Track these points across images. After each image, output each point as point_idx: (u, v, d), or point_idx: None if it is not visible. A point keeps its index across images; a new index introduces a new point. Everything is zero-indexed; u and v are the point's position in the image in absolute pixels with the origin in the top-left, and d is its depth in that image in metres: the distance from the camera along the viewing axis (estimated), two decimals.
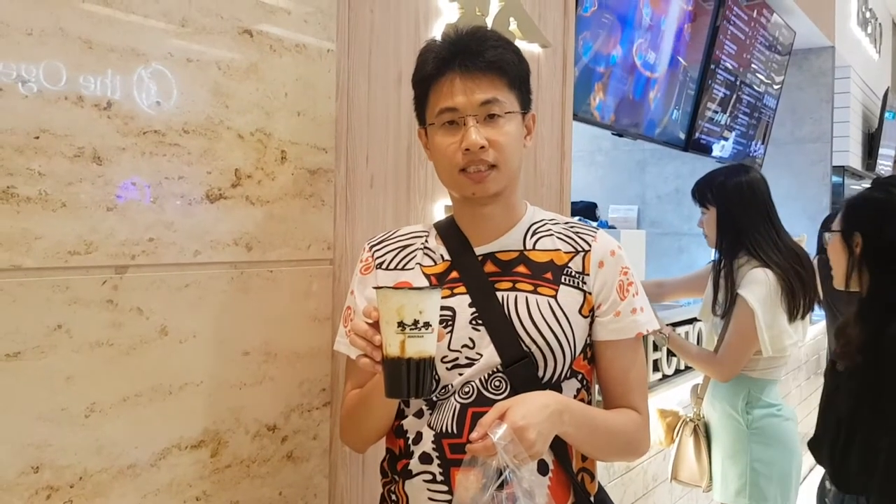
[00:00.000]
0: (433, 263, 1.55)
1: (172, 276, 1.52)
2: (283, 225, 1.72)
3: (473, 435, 1.27)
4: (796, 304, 2.87)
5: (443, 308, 1.45)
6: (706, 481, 3.10)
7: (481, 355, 1.45)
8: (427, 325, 1.24)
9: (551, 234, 1.56)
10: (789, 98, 6.78)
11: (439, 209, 2.16)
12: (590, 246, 1.54)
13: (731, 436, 3.01)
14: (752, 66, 5.75)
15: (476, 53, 1.44)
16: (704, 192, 3.07)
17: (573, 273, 1.51)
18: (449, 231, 1.58)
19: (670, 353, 3.63)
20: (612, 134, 4.28)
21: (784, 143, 6.90)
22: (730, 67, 5.35)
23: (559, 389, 1.47)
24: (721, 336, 2.97)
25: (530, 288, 1.49)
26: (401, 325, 1.23)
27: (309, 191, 1.77)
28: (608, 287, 1.51)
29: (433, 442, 1.46)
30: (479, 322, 1.46)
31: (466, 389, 1.45)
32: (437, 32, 2.10)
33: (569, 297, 1.49)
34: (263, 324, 1.69)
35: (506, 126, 1.45)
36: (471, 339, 1.46)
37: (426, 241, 1.59)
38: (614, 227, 6.05)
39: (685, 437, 3.15)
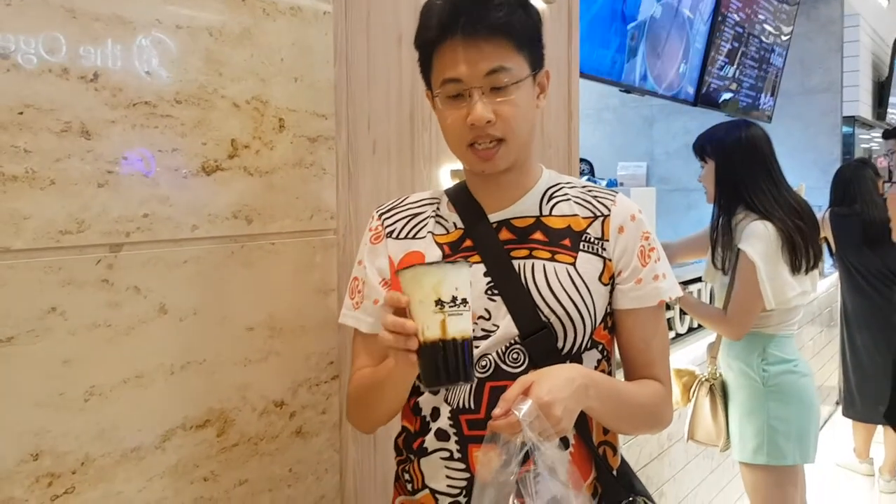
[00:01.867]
0: (446, 232, 1.48)
1: (170, 252, 1.46)
2: (283, 195, 1.66)
3: (496, 411, 1.21)
4: (798, 257, 2.82)
5: None
6: (723, 441, 3.06)
7: (498, 327, 1.39)
8: (465, 301, 1.17)
9: (568, 199, 1.48)
10: (798, 48, 6.67)
11: (445, 174, 2.10)
12: (609, 210, 1.46)
13: (747, 393, 2.97)
14: (760, 16, 5.63)
15: (479, 17, 1.32)
16: (704, 145, 3.04)
17: (592, 239, 1.44)
18: (461, 198, 1.50)
19: (682, 312, 3.58)
20: (620, 91, 4.20)
21: (793, 94, 6.80)
22: (738, 19, 5.24)
23: (579, 360, 1.42)
24: (728, 293, 2.92)
25: (548, 255, 1.42)
26: (439, 303, 1.15)
27: (309, 159, 1.71)
28: (629, 253, 1.44)
29: (450, 418, 1.41)
30: (495, 292, 1.40)
31: (483, 363, 1.39)
32: None
33: (588, 265, 1.43)
34: (267, 298, 1.64)
35: (514, 95, 1.35)
36: (486, 311, 1.40)
37: (438, 208, 1.52)
38: (623, 185, 5.99)
39: (701, 397, 3.10)
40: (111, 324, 1.38)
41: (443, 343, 1.16)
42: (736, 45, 5.34)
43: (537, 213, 1.46)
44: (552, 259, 1.42)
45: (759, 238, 2.78)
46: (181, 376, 1.49)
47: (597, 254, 1.44)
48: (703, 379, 3.12)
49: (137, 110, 1.40)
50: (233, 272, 1.57)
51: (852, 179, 4.64)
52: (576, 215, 1.46)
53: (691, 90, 4.90)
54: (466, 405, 1.39)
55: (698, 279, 3.76)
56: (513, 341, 1.39)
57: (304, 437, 1.72)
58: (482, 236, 1.45)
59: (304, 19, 1.69)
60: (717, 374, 3.09)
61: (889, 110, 8.83)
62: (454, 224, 1.48)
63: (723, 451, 3.15)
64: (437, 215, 1.51)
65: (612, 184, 5.53)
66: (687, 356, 3.53)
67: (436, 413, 1.43)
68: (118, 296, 1.38)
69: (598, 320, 1.43)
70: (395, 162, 1.97)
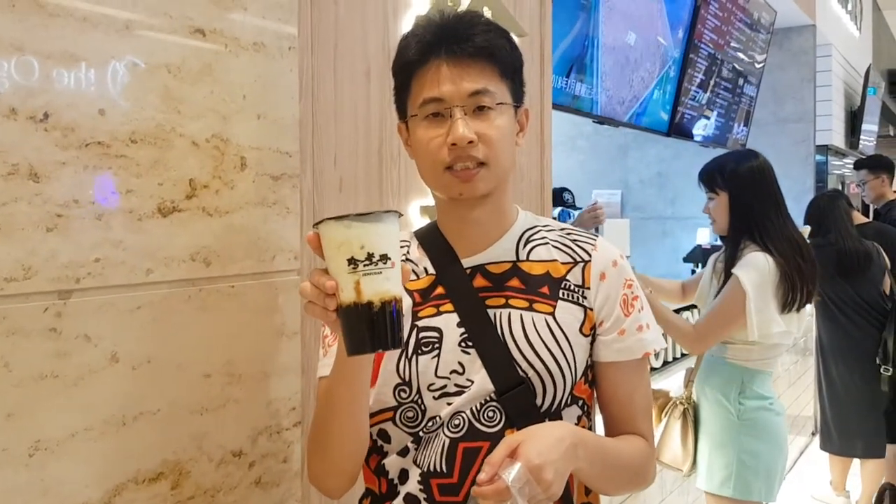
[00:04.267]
0: (416, 277, 1.40)
1: (122, 298, 1.40)
2: (244, 236, 1.60)
3: (482, 476, 1.12)
4: (793, 295, 2.80)
5: (429, 329, 1.34)
6: (688, 466, 3.03)
7: (472, 382, 1.31)
8: (385, 258, 1.05)
9: (546, 243, 1.41)
10: (771, 78, 6.71)
11: (414, 210, 2.06)
12: (590, 256, 1.39)
13: (720, 425, 2.95)
14: (734, 46, 5.66)
15: (464, 38, 1.29)
16: (714, 176, 2.99)
17: (572, 287, 1.37)
18: (432, 240, 1.42)
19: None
20: (593, 122, 4.18)
21: (766, 123, 6.84)
22: (711, 49, 5.26)
23: (559, 418, 1.33)
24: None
25: (525, 304, 1.34)
26: (352, 262, 1.04)
27: (272, 198, 1.66)
28: (611, 302, 1.37)
29: (420, 482, 1.32)
30: (469, 344, 1.32)
31: (456, 422, 1.31)
32: (406, 25, 1.99)
33: (568, 315, 1.35)
34: (226, 343, 1.58)
35: (497, 119, 1.30)
36: (460, 364, 1.32)
37: (408, 251, 1.44)
38: None
39: (673, 420, 3.08)
40: (59, 374, 1.31)
41: (358, 306, 1.05)
42: (710, 75, 5.35)
43: (514, 258, 1.39)
44: (530, 308, 1.34)
45: (756, 268, 2.76)
46: (133, 427, 1.42)
47: (577, 302, 1.36)
48: (678, 402, 3.09)
49: (90, 151, 1.34)
50: (189, 317, 1.51)
51: (826, 210, 4.64)
52: (555, 260, 1.39)
53: (665, 119, 4.89)
54: (438, 468, 1.31)
55: (693, 306, 3.74)
56: (488, 398, 1.31)
57: (263, 487, 1.66)
58: (455, 283, 1.37)
59: (269, 55, 1.65)
60: (692, 399, 3.06)
61: (861, 138, 8.91)
62: (425, 269, 1.41)
63: (686, 477, 3.12)
64: (408, 259, 1.43)
65: None
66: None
67: (404, 475, 1.34)
68: (67, 345, 1.32)
69: (579, 374, 1.36)
70: (362, 199, 1.92)
